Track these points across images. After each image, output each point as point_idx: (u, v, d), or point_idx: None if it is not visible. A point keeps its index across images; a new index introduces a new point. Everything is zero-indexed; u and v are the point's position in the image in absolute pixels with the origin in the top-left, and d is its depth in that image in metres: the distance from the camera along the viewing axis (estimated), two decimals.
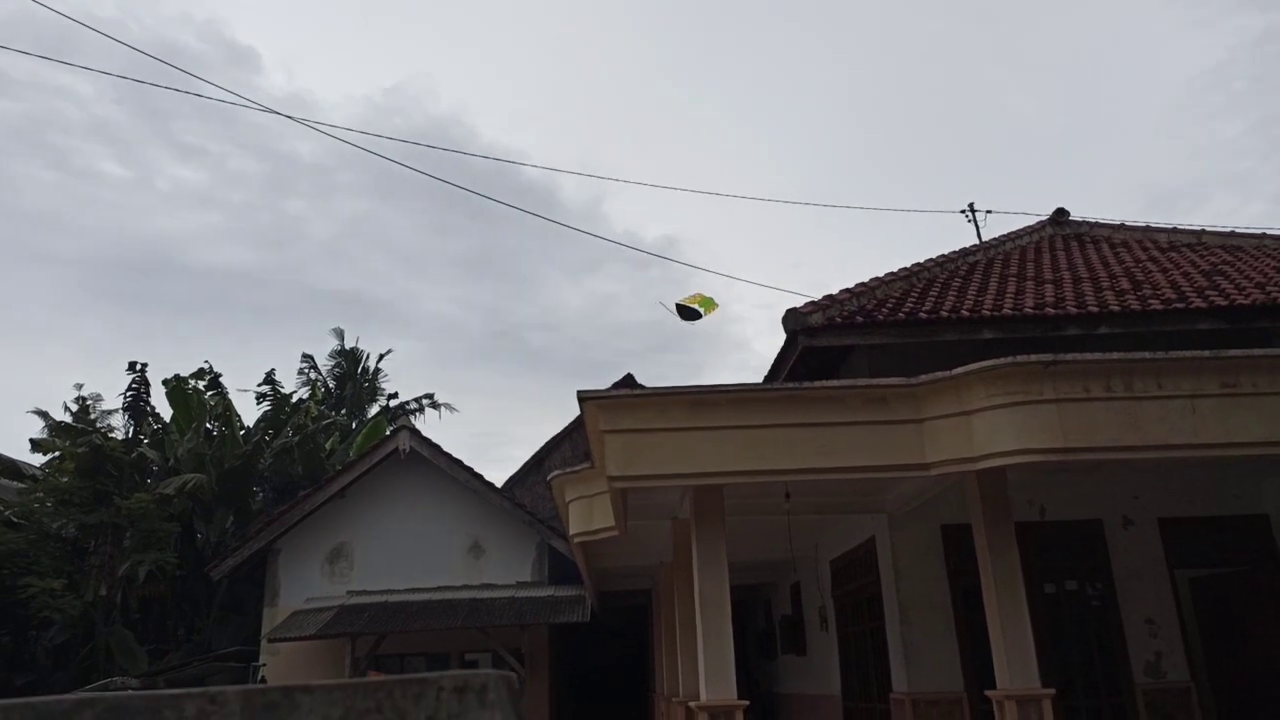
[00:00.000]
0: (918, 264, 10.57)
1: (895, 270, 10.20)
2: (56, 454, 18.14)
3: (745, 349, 71.01)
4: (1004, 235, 12.55)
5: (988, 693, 6.88)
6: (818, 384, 6.54)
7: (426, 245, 67.42)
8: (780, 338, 9.01)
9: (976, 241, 12.99)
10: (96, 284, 58.52)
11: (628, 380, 22.11)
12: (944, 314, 8.53)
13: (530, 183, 64.07)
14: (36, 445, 18.08)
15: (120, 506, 16.44)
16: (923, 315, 8.53)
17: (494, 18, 72.00)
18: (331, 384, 27.44)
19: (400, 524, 16.71)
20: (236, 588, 17.21)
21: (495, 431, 60.48)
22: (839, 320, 8.59)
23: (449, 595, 15.77)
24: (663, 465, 6.53)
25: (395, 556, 16.38)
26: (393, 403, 27.82)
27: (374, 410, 26.97)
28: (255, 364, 56.01)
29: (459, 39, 75.21)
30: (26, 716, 0.67)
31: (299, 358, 28.01)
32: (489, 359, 65.85)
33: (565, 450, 22.81)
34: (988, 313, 8.57)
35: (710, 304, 11.45)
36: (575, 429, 22.20)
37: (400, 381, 78.90)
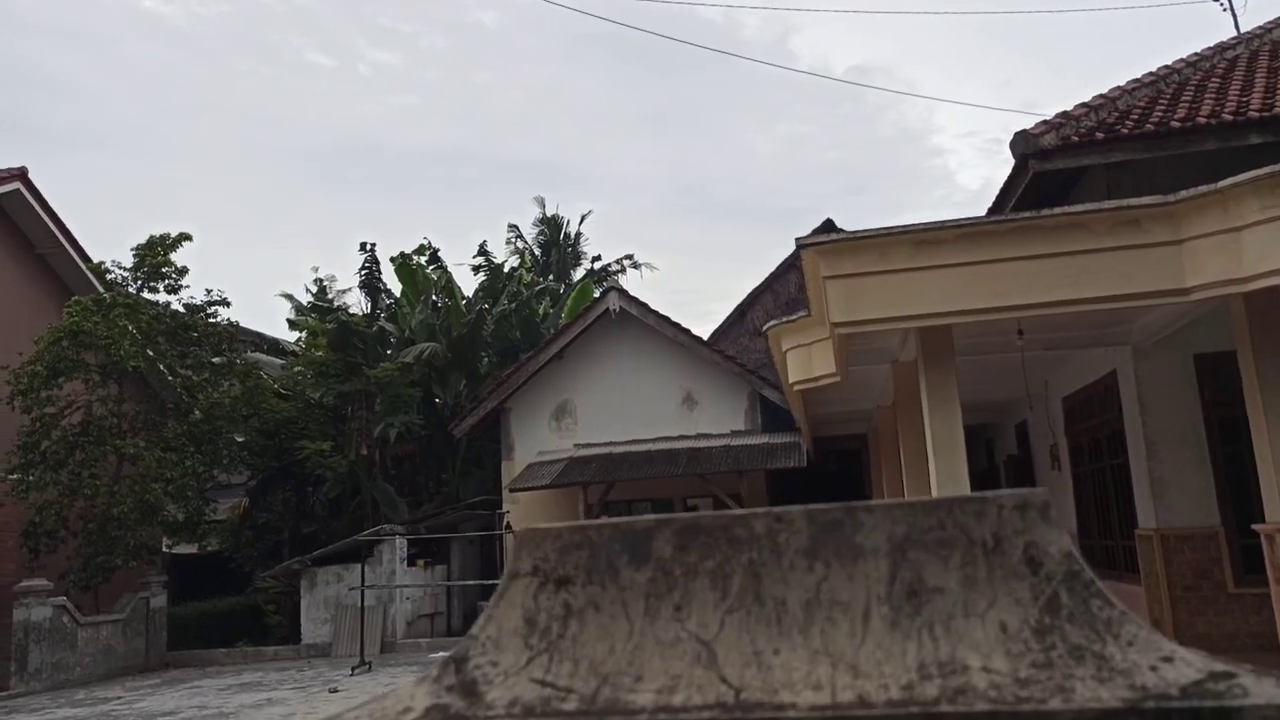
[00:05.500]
0: (1164, 67, 9.38)
1: (1138, 77, 9.11)
2: (308, 332, 20.13)
3: (947, 183, 66.95)
4: (1270, 22, 10.85)
5: (1255, 526, 6.46)
6: (1057, 211, 6.06)
7: (611, 105, 67.15)
8: (987, 167, 8.42)
9: (1235, 34, 11.34)
10: (320, 172, 62.82)
11: (827, 225, 21.43)
12: (1201, 120, 7.58)
13: (709, 22, 61.69)
14: (293, 324, 20.09)
15: (368, 376, 18.09)
16: (1175, 124, 7.63)
17: None
18: (537, 251, 28.44)
19: (616, 380, 17.42)
20: (475, 444, 18.71)
21: (693, 288, 61.09)
22: (1075, 139, 7.84)
23: (668, 445, 16.44)
24: (887, 308, 6.36)
25: (614, 411, 17.17)
26: (596, 265, 28.57)
27: (579, 274, 27.82)
28: (467, 238, 58.83)
29: None
30: (613, 536, 0.74)
31: (505, 228, 29.11)
32: (681, 216, 65.81)
33: (767, 301, 22.67)
34: (1255, 114, 7.54)
35: None
36: (776, 279, 21.97)
37: (600, 244, 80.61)
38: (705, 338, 18.37)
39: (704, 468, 15.16)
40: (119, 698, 12.14)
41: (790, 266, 20.14)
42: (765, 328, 9.61)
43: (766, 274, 22.70)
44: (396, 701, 0.71)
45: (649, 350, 17.41)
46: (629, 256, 28.83)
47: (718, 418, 16.99)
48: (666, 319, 17.31)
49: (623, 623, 0.75)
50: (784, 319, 9.07)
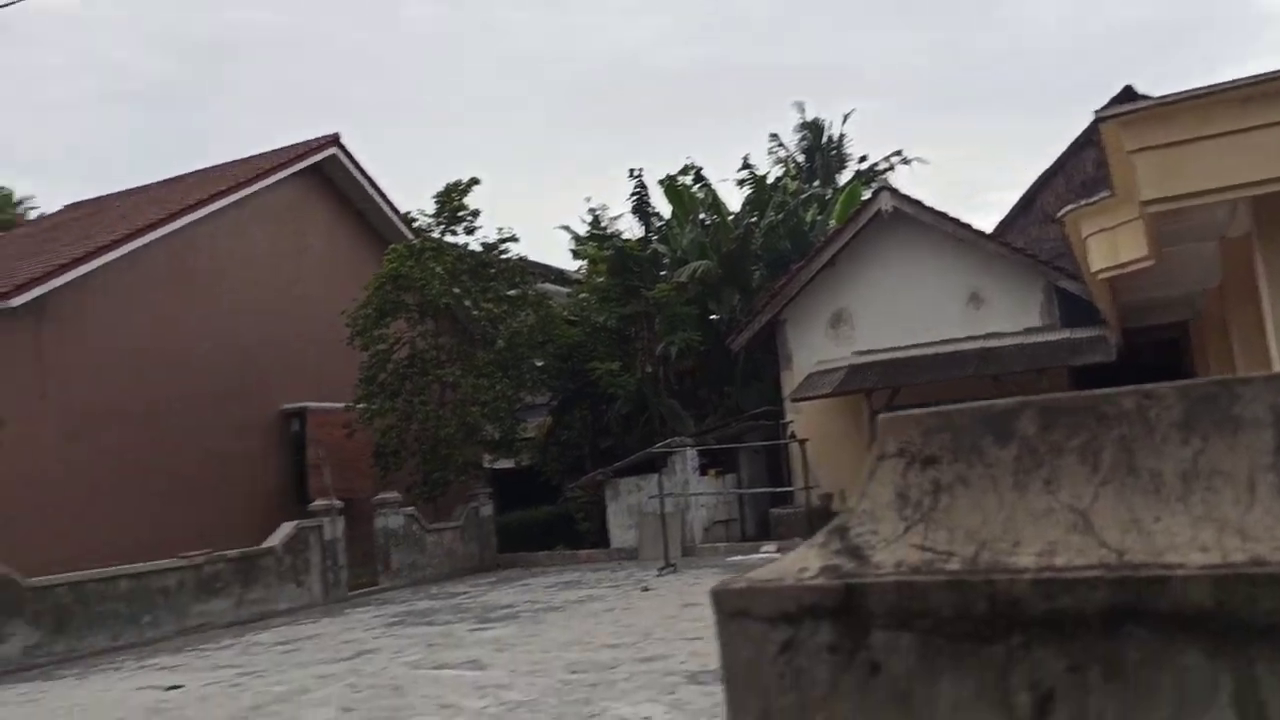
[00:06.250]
0: None
1: None
2: (588, 260, 21.28)
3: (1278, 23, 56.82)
4: None
5: None
6: None
7: None
8: None
9: None
10: (585, 105, 65.16)
11: (1127, 93, 19.08)
12: None
13: None
14: (575, 254, 21.31)
15: (647, 297, 18.89)
16: None
17: None
18: (800, 158, 27.86)
19: (893, 283, 16.88)
20: (753, 356, 19.02)
21: (970, 179, 57.11)
22: None
23: (954, 348, 15.78)
24: (1210, 179, 5.67)
25: (893, 315, 16.69)
26: (862, 166, 27.53)
27: (845, 177, 26.97)
28: (730, 154, 58.72)
29: None
30: (975, 418, 0.82)
31: (766, 138, 28.73)
32: (951, 104, 61.33)
33: (1058, 185, 20.75)
34: None
35: None
36: (1068, 160, 20.01)
37: (865, 144, 77.36)
38: (989, 231, 17.27)
39: (996, 368, 14.43)
40: (464, 593, 13.93)
41: (1084, 144, 18.25)
42: (1060, 214, 8.88)
43: (1055, 156, 20.79)
44: (793, 563, 0.83)
45: (927, 249, 16.67)
46: (897, 153, 27.50)
47: (1009, 315, 16.01)
48: (944, 215, 16.44)
49: (992, 496, 0.81)
50: (1082, 202, 8.34)
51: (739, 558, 15.10)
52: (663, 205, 21.86)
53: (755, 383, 19.52)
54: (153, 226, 16.00)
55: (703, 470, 17.37)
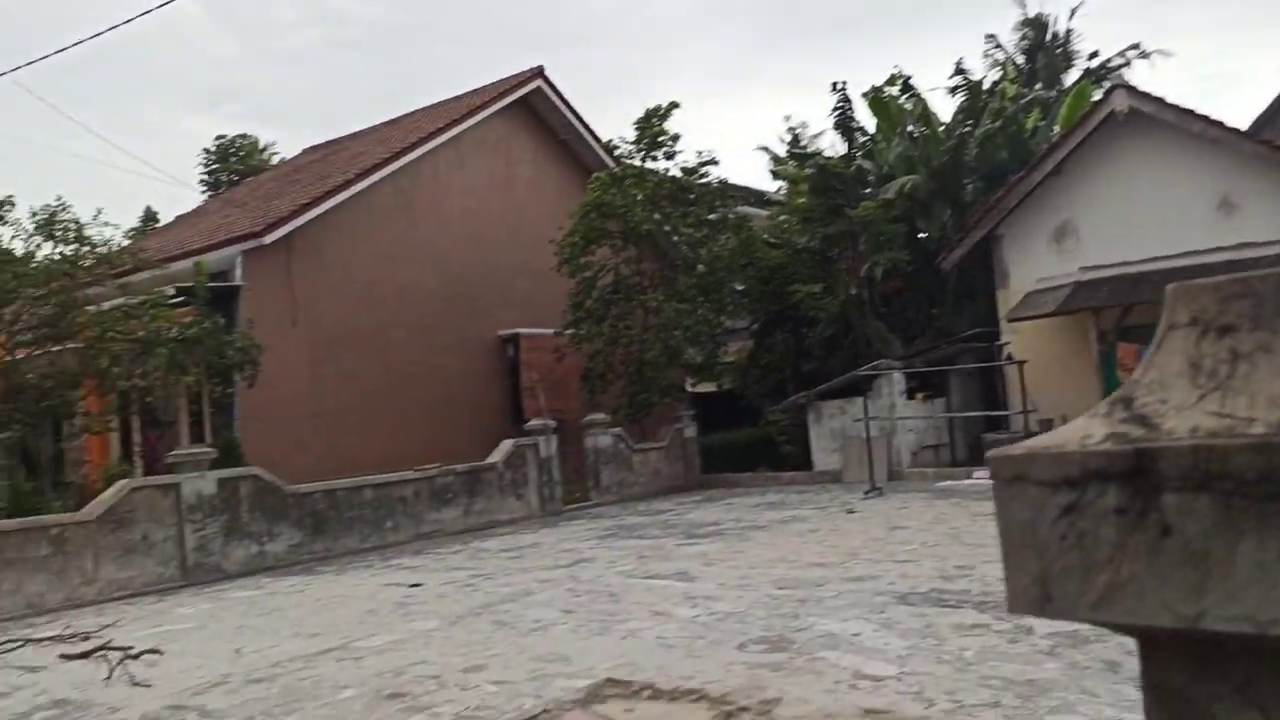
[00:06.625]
0: None
1: None
2: (788, 180, 20.84)
3: None
4: None
5: None
6: None
7: None
8: None
9: None
10: (782, 18, 63.10)
11: None
12: None
13: None
14: (775, 174, 20.92)
15: (850, 216, 18.31)
16: None
17: None
18: (1020, 59, 25.78)
19: (1127, 192, 15.47)
20: (965, 276, 18.10)
21: (1221, 73, 50.79)
22: None
23: (1197, 260, 14.33)
24: None
25: (1125, 226, 15.34)
26: (1092, 64, 25.14)
27: (1072, 77, 24.73)
28: (941, 62, 55.31)
29: None
30: (1278, 287, 0.78)
31: (982, 40, 26.77)
32: None
33: None
34: None
35: None
36: None
37: (1097, 39, 70.40)
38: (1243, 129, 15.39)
39: None
40: (670, 510, 14.41)
41: None
42: None
43: None
44: (1074, 431, 0.81)
45: (1168, 152, 15.10)
46: (1134, 46, 24.88)
47: (1266, 222, 14.31)
48: (1190, 112, 14.79)
49: None
50: None
51: (949, 483, 14.67)
52: (867, 120, 20.99)
53: (968, 303, 18.61)
54: (379, 165, 17.16)
55: (910, 394, 16.90)
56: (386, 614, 7.80)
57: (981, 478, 14.38)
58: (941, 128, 20.14)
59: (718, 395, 20.65)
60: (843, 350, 18.88)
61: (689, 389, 20.10)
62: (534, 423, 15.52)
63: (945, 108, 21.45)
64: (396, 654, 6.28)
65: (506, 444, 14.89)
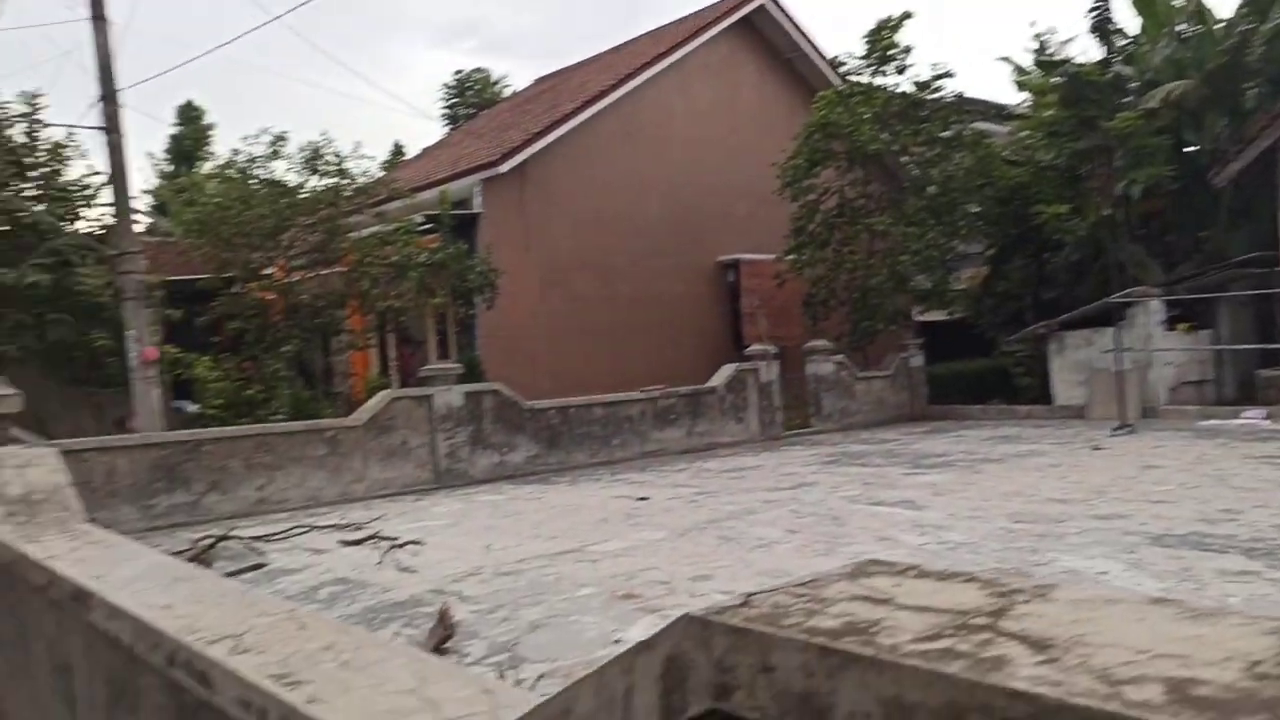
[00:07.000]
0: None
1: None
2: (1034, 92, 19.17)
3: None
4: None
5: None
6: None
7: None
8: None
9: None
10: None
11: None
12: None
13: None
14: (1021, 85, 19.33)
15: (1105, 129, 16.63)
16: None
17: None
18: None
19: None
20: (1243, 193, 16.07)
21: None
22: None
23: None
24: None
25: None
26: None
27: None
28: None
29: None
30: None
31: None
32: None
33: None
34: None
35: None
36: None
37: None
38: None
39: None
40: (895, 440, 14.06)
41: None
42: None
43: None
44: None
45: None
46: None
47: None
48: None
49: None
50: None
51: (1214, 422, 13.32)
52: (1129, 21, 18.87)
53: (1244, 224, 16.56)
54: (604, 93, 17.45)
55: (1170, 324, 15.37)
56: (617, 523, 8.19)
57: (1254, 417, 12.94)
58: (1220, 25, 17.76)
59: (947, 324, 19.73)
60: (1090, 277, 17.41)
61: (916, 317, 19.32)
62: (754, 348, 15.53)
63: (1224, 4, 18.83)
64: (628, 559, 6.60)
65: (727, 368, 15.02)
